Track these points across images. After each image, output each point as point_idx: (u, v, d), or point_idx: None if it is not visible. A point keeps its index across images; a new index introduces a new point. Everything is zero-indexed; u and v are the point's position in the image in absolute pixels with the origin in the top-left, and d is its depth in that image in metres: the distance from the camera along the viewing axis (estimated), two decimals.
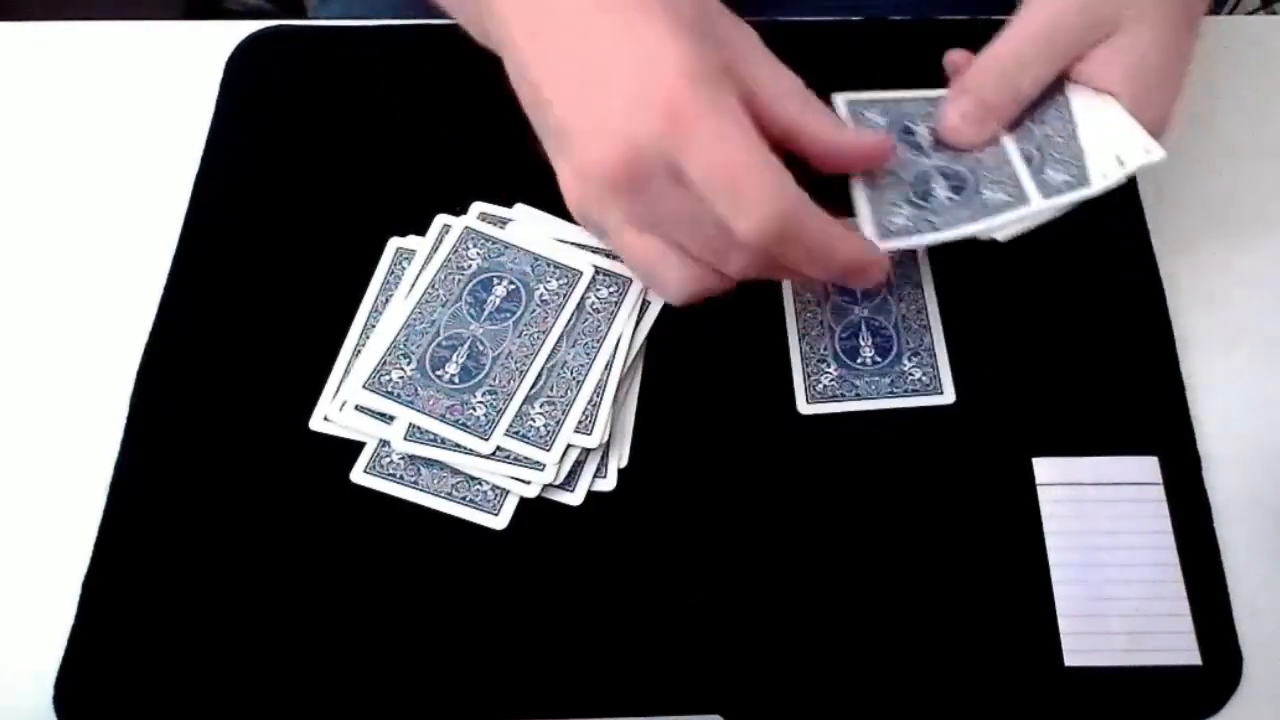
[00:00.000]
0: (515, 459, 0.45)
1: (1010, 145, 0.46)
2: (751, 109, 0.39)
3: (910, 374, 0.48)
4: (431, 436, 0.46)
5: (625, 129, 0.38)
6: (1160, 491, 0.47)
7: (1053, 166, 0.44)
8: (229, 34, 0.59)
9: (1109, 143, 0.44)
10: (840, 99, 0.47)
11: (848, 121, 0.46)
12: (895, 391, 0.48)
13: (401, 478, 0.46)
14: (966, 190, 0.44)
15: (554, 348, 0.47)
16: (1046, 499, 0.47)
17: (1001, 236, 0.44)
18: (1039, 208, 0.44)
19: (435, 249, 0.50)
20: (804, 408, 0.48)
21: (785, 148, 0.41)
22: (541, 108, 0.40)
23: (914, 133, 0.46)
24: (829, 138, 0.42)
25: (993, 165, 0.45)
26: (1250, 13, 1.02)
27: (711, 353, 0.50)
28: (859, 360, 0.49)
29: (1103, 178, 0.44)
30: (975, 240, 0.44)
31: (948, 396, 0.48)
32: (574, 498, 0.46)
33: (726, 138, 0.38)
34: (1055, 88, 0.46)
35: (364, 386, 0.46)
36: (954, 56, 0.47)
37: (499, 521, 0.46)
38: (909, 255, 0.51)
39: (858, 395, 0.48)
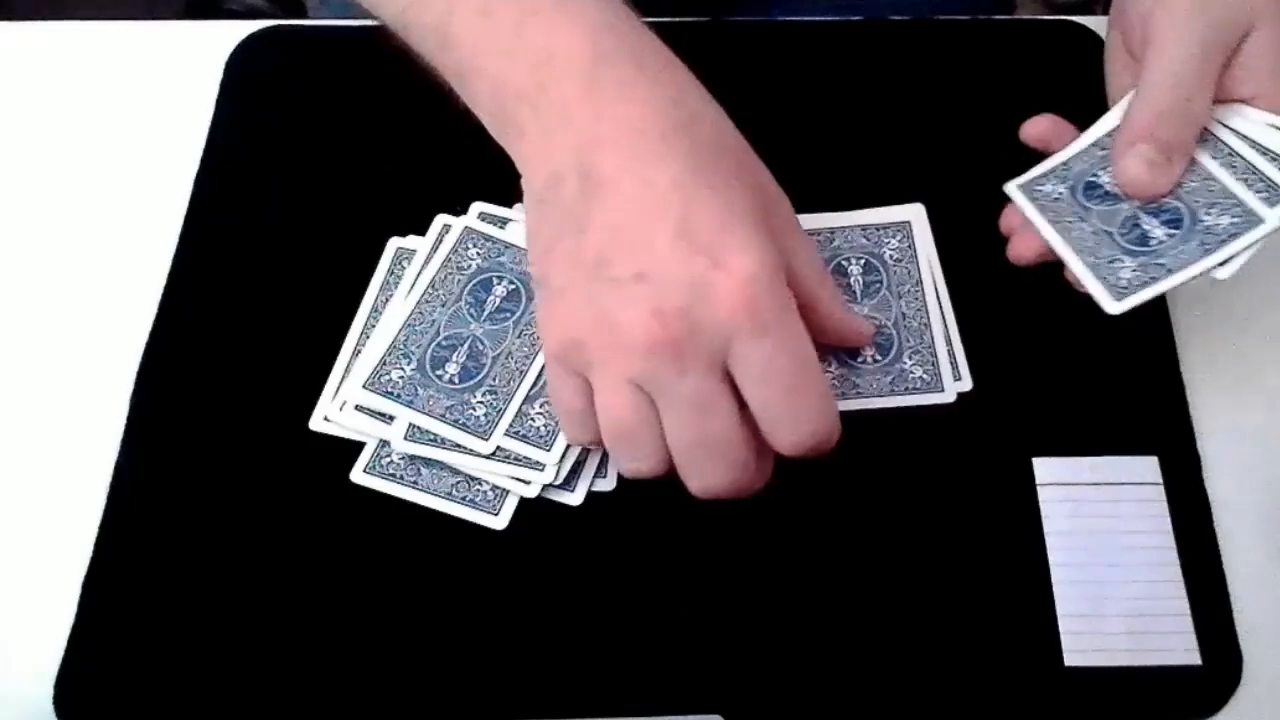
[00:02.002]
0: (515, 459, 0.45)
1: (1210, 164, 0.43)
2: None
3: (911, 372, 0.48)
4: (431, 436, 0.46)
5: (694, 303, 0.37)
6: (1160, 491, 0.47)
7: (1207, 211, 0.42)
8: (229, 34, 0.59)
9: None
10: (1013, 188, 0.46)
11: (1025, 206, 0.46)
12: (896, 390, 0.48)
13: (401, 478, 0.46)
14: (1185, 222, 0.43)
15: None
16: (1046, 499, 0.47)
17: (1224, 274, 0.41)
18: (1275, 222, 0.41)
19: (435, 249, 0.50)
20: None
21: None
22: (581, 232, 0.39)
23: (1099, 184, 0.45)
24: (838, 315, 0.44)
25: (1202, 190, 0.43)
26: None
27: None
28: (859, 359, 0.49)
29: (1269, 212, 0.41)
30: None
31: (949, 394, 0.48)
32: (574, 498, 0.46)
33: (794, 347, 0.38)
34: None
35: (364, 386, 0.46)
36: (1037, 129, 0.47)
37: (499, 521, 0.46)
38: (908, 253, 0.51)
39: (859, 393, 0.48)
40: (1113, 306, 0.42)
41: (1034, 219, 0.46)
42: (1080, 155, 0.47)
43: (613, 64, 0.40)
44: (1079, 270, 0.44)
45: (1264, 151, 0.43)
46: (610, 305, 0.38)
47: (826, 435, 0.40)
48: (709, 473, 0.40)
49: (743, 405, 0.39)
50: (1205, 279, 0.42)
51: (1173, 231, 0.43)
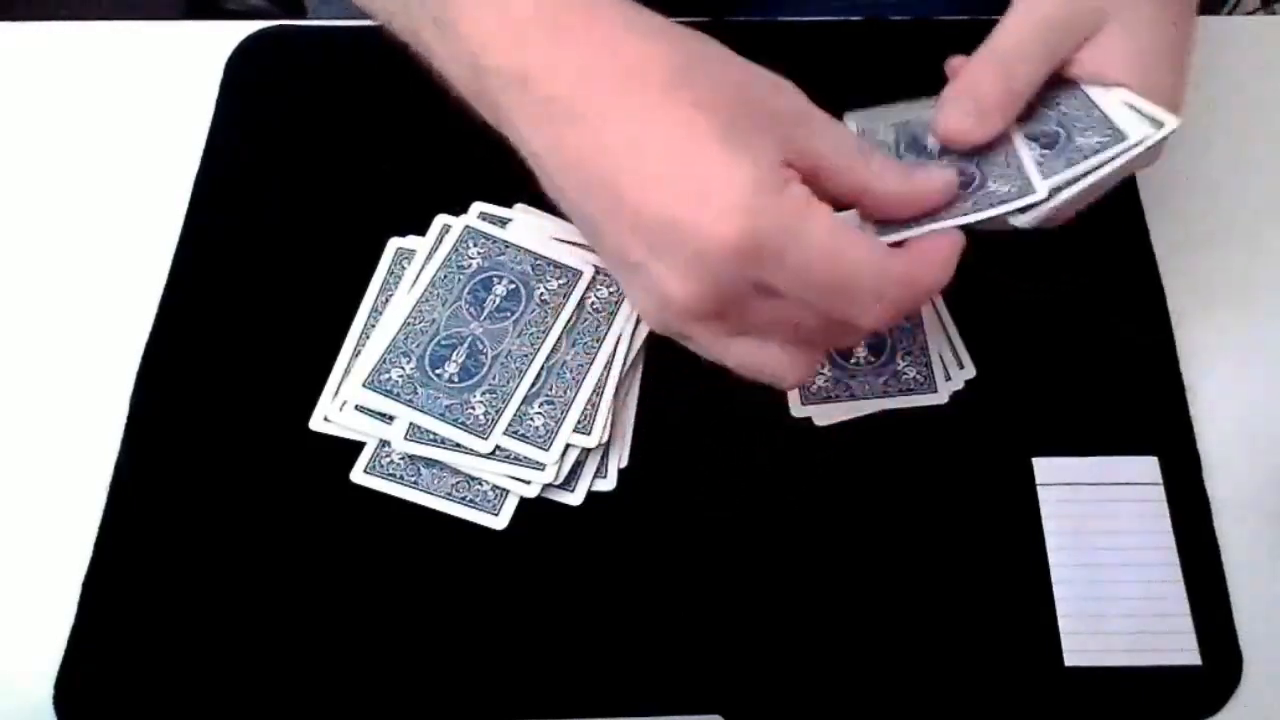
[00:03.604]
0: (515, 459, 0.45)
1: (1018, 139, 0.44)
2: (816, 179, 0.38)
3: (904, 373, 0.48)
4: (431, 436, 0.46)
5: (699, 266, 0.36)
6: (1160, 491, 0.47)
7: (1082, 135, 0.43)
8: (229, 34, 0.59)
9: (1133, 110, 0.42)
10: (851, 120, 0.46)
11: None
12: (889, 391, 0.48)
13: (401, 478, 0.46)
14: (973, 186, 0.44)
15: (554, 347, 0.47)
16: (1046, 499, 0.47)
17: (1023, 222, 0.42)
18: (1042, 195, 0.41)
19: (435, 249, 0.50)
20: (797, 409, 0.48)
21: (852, 204, 0.40)
22: (596, 236, 0.39)
23: (923, 145, 0.45)
24: (897, 191, 0.40)
25: (1000, 161, 0.44)
26: (1250, 13, 1.02)
27: None
28: (852, 360, 0.49)
29: (1139, 131, 0.41)
30: (975, 241, 0.44)
31: (941, 396, 0.48)
32: (574, 498, 0.46)
33: (817, 246, 0.36)
34: (1064, 83, 0.45)
35: (364, 385, 0.46)
36: (954, 62, 0.47)
37: (499, 521, 0.46)
38: None
39: (851, 395, 0.48)
40: (1039, 191, 0.41)
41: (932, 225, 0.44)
42: (919, 110, 0.46)
43: (533, 49, 0.38)
44: (996, 212, 0.42)
45: (1086, 120, 0.43)
46: (650, 285, 0.38)
47: (895, 302, 0.38)
48: (839, 342, 0.41)
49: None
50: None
51: (961, 193, 0.42)
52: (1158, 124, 0.42)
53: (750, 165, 0.36)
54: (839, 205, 0.38)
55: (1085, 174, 0.41)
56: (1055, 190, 0.41)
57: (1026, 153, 0.44)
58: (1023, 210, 0.42)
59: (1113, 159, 0.41)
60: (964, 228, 0.41)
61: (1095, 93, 0.44)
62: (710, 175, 0.36)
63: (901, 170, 0.41)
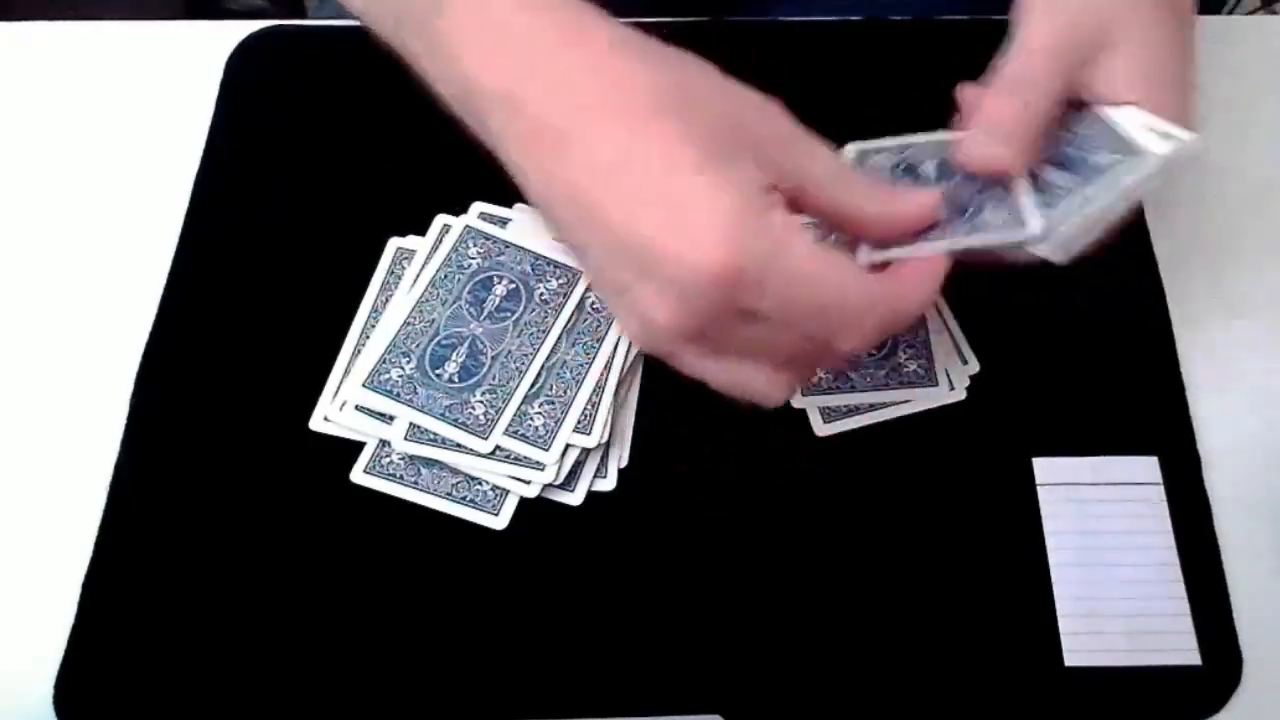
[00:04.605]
0: (515, 459, 0.45)
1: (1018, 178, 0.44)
2: (801, 201, 0.38)
3: (905, 366, 0.48)
4: (431, 436, 0.46)
5: (681, 292, 0.36)
6: (1160, 491, 0.47)
7: (1096, 154, 0.43)
8: (229, 34, 0.59)
9: (1147, 127, 0.42)
10: (851, 149, 0.46)
11: (854, 167, 0.45)
12: (890, 384, 0.48)
13: (401, 478, 0.46)
14: (969, 213, 0.43)
15: (554, 347, 0.47)
16: (1046, 499, 0.47)
17: (1045, 251, 0.42)
18: (1035, 229, 0.41)
19: (435, 248, 0.50)
20: (798, 400, 0.48)
21: (833, 225, 0.41)
22: (583, 258, 0.40)
23: (917, 172, 0.45)
24: (878, 213, 0.41)
25: (999, 191, 0.43)
26: (1250, 13, 1.02)
27: None
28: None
29: (1152, 146, 0.41)
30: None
31: (943, 389, 0.48)
32: (574, 498, 0.46)
33: (796, 272, 0.37)
34: (1075, 106, 0.44)
35: (364, 385, 0.46)
36: (966, 92, 0.46)
37: (499, 521, 0.46)
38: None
39: (852, 388, 0.48)
40: (1033, 227, 0.41)
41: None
42: (920, 144, 0.46)
43: (512, 69, 0.39)
44: (990, 239, 0.42)
45: (1100, 139, 0.43)
46: (635, 307, 0.38)
47: (876, 327, 0.38)
48: (821, 362, 0.41)
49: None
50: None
51: (1071, 175, 0.43)
52: (1169, 139, 0.41)
53: (732, 192, 0.36)
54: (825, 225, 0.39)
55: (1097, 197, 0.41)
56: (1052, 217, 0.41)
57: (1024, 185, 0.43)
58: (1019, 241, 0.42)
59: (1128, 176, 0.41)
60: (967, 251, 0.41)
61: (1107, 113, 0.44)
62: (692, 202, 0.36)
63: (884, 193, 0.41)
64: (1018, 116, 0.43)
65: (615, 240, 0.37)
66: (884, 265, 0.41)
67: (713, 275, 0.36)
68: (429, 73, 0.42)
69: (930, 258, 0.40)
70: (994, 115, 0.43)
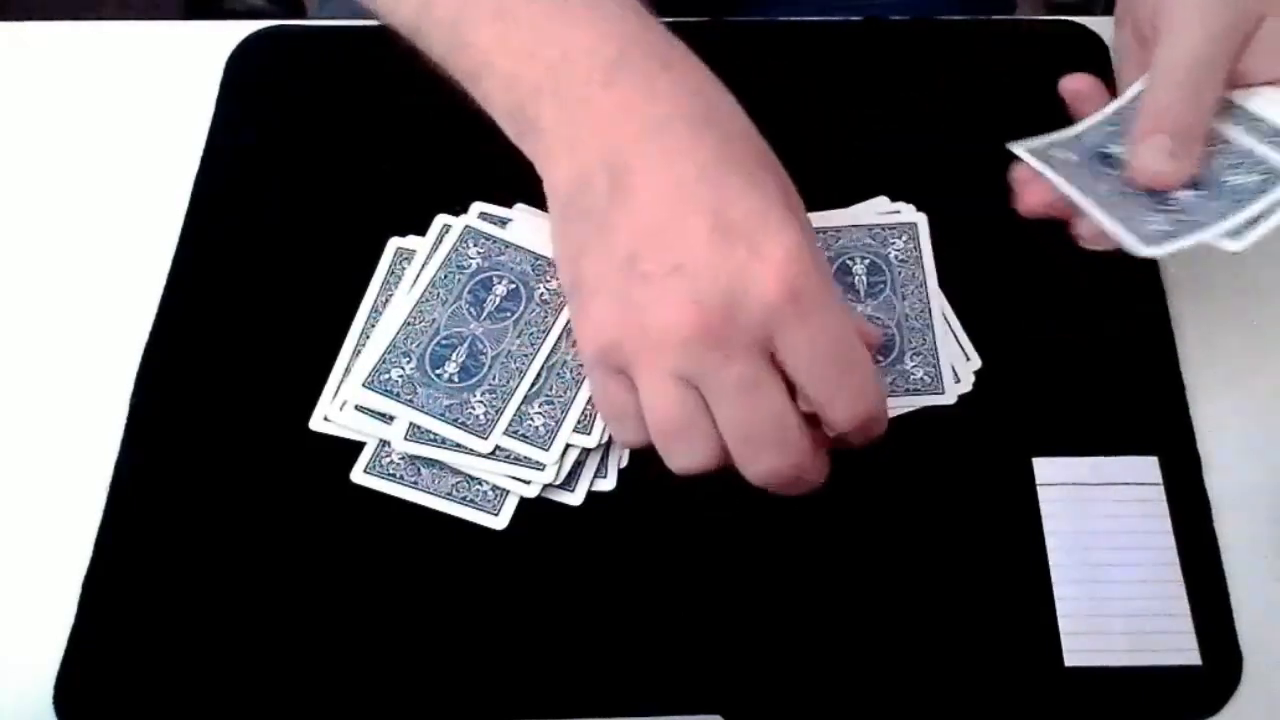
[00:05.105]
0: (515, 459, 0.45)
1: (1231, 130, 0.43)
2: None
3: (911, 373, 0.48)
4: (431, 436, 0.46)
5: (735, 291, 0.37)
6: (1160, 491, 0.47)
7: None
8: (229, 34, 0.59)
9: None
10: (1022, 149, 0.45)
11: (1038, 165, 0.44)
12: (896, 390, 0.48)
13: (401, 478, 0.46)
14: (1208, 182, 0.42)
15: (554, 347, 0.47)
16: (1046, 499, 0.47)
17: (1237, 246, 0.41)
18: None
19: (435, 248, 0.50)
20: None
21: None
22: (611, 232, 0.39)
23: (1112, 154, 0.44)
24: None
25: (1224, 153, 0.42)
26: None
27: None
28: None
29: None
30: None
31: (949, 397, 0.48)
32: (574, 498, 0.46)
33: (838, 325, 0.38)
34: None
35: (364, 385, 0.46)
36: (1073, 85, 0.46)
37: (499, 521, 0.46)
38: (913, 254, 0.51)
39: None
40: (1143, 250, 0.41)
41: (1050, 176, 0.44)
42: (1090, 130, 0.46)
43: (631, 59, 0.40)
44: (1104, 220, 0.42)
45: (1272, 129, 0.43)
46: (646, 301, 0.38)
47: (878, 411, 0.40)
48: (766, 458, 0.40)
49: (793, 392, 0.39)
50: (1221, 255, 0.41)
51: (1201, 191, 0.42)
52: None
53: (809, 234, 0.38)
54: None
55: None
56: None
57: (1248, 137, 0.42)
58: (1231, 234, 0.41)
59: None
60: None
61: (1259, 104, 0.43)
62: (777, 227, 0.38)
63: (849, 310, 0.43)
64: (1192, 114, 0.42)
65: (665, 229, 0.38)
66: None
67: (773, 291, 0.37)
68: (457, 69, 0.43)
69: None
70: (1164, 116, 0.43)
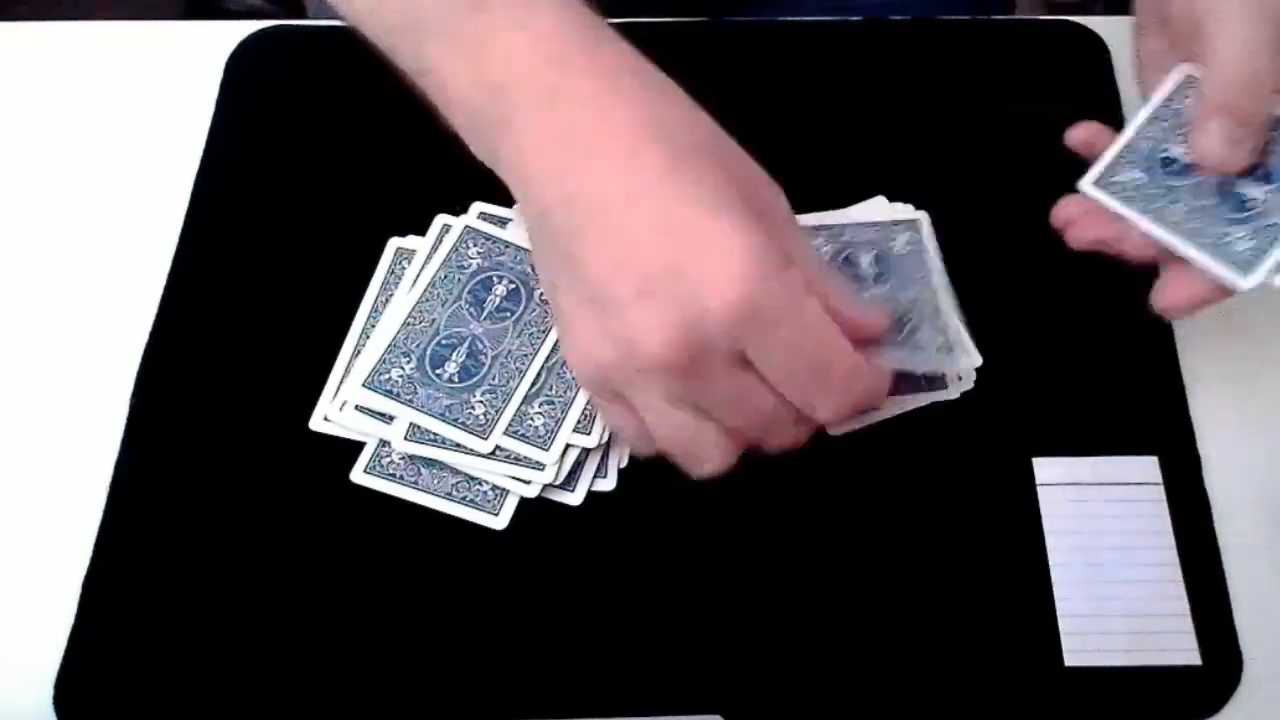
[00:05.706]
0: (515, 459, 0.45)
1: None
2: None
3: (924, 349, 0.48)
4: (431, 436, 0.46)
5: (692, 319, 0.37)
6: (1160, 491, 0.47)
7: None
8: (229, 34, 0.59)
9: None
10: (1089, 186, 0.45)
11: (1109, 202, 0.44)
12: (901, 389, 0.48)
13: (401, 478, 0.46)
14: (1277, 175, 0.42)
15: (554, 347, 0.47)
16: (1046, 499, 0.47)
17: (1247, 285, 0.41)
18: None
19: (435, 248, 0.50)
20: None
21: None
22: (575, 264, 0.39)
23: (1174, 157, 0.44)
24: (847, 307, 0.41)
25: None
26: None
27: None
28: None
29: None
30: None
31: (951, 393, 0.48)
32: (574, 498, 0.46)
33: (810, 329, 0.38)
34: None
35: (364, 385, 0.46)
36: (1081, 134, 0.46)
37: (499, 521, 0.46)
38: (917, 253, 0.50)
39: None
40: (1245, 282, 0.41)
41: (1125, 213, 0.44)
42: (1141, 135, 0.45)
43: (573, 79, 0.39)
44: (1195, 256, 0.42)
45: None
46: (620, 329, 0.38)
47: (865, 398, 0.40)
48: (777, 440, 0.41)
49: None
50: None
51: (1269, 186, 0.42)
52: None
53: (763, 237, 0.37)
54: None
55: None
56: None
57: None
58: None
59: None
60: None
61: None
62: (725, 235, 0.37)
63: (852, 296, 0.42)
64: (1254, 101, 0.42)
65: (631, 252, 0.37)
66: None
67: (733, 306, 0.36)
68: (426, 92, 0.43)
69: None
70: (1228, 103, 0.42)
